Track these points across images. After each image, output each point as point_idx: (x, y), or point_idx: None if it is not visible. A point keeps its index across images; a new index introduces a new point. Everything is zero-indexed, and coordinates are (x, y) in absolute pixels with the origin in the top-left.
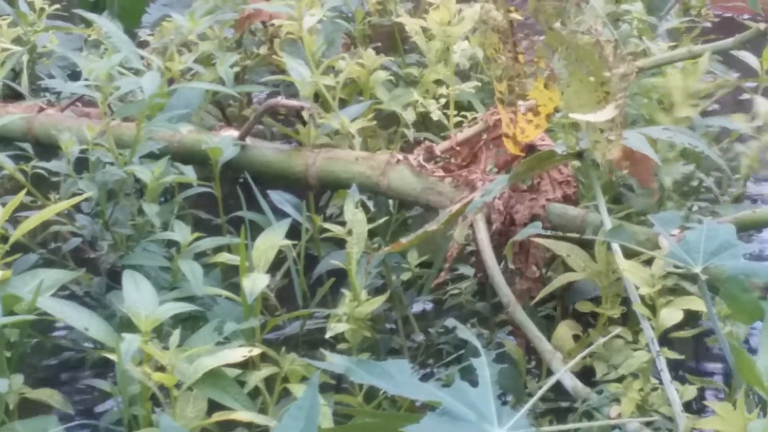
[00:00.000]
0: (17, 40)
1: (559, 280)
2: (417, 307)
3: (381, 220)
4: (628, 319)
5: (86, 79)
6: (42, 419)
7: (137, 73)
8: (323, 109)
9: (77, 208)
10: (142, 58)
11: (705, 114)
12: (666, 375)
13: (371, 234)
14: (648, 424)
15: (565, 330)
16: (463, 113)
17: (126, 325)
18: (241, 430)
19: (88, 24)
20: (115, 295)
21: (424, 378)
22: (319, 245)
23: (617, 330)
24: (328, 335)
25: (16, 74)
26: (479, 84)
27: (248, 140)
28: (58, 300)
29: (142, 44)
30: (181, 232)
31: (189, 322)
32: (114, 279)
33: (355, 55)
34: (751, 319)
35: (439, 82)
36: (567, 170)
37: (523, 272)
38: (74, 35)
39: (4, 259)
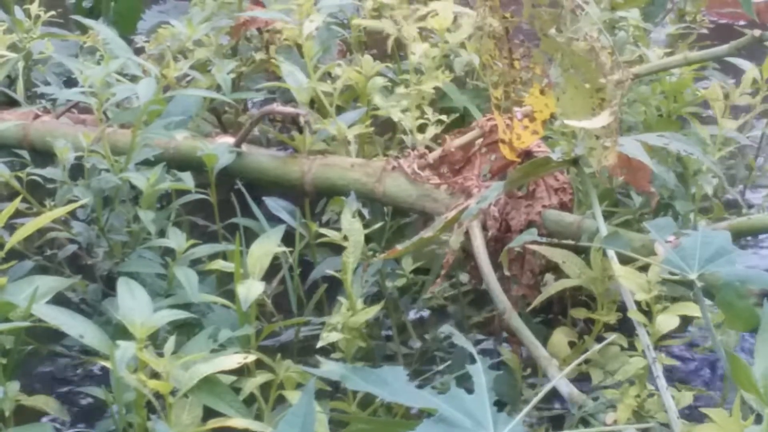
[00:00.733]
0: (13, 47)
1: (555, 287)
2: (412, 314)
3: (376, 227)
4: (624, 325)
5: (82, 86)
6: (38, 426)
7: (134, 79)
8: (320, 115)
9: (73, 214)
10: (138, 64)
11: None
12: (662, 381)
13: (366, 241)
14: (644, 430)
15: (561, 337)
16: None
17: (122, 332)
18: None
19: (84, 31)
20: (110, 302)
21: (420, 385)
22: (315, 251)
23: (613, 336)
24: (320, 345)
25: (11, 81)
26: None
27: (244, 147)
28: (53, 307)
29: (138, 51)
30: (176, 239)
31: (184, 329)
32: (110, 286)
33: (351, 62)
34: (747, 326)
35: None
36: (563, 177)
37: (519, 279)
38: (70, 42)
39: (0, 266)
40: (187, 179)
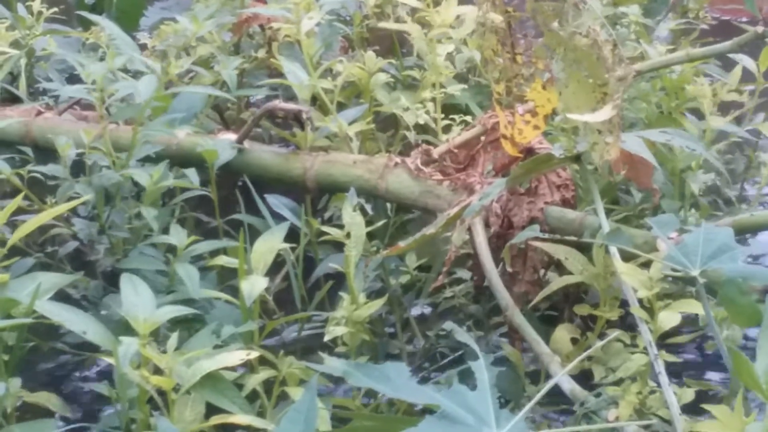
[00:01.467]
0: (15, 44)
1: (557, 283)
2: (415, 311)
3: (379, 223)
4: (626, 322)
5: (85, 83)
6: (41, 422)
7: (137, 76)
8: (321, 112)
9: (74, 212)
10: (142, 61)
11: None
12: (664, 378)
13: (369, 237)
14: (646, 427)
15: (563, 333)
16: (452, 116)
17: (124, 328)
18: None
19: (87, 27)
20: (112, 299)
21: (423, 381)
22: (317, 248)
23: (615, 333)
24: (326, 338)
25: (14, 77)
26: (466, 87)
27: (246, 144)
28: (56, 303)
29: (141, 47)
30: (178, 236)
31: (185, 326)
32: (111, 282)
33: (353, 59)
34: (749, 322)
35: (436, 85)
36: (565, 173)
37: (521, 275)
38: (72, 39)
39: (2, 263)
40: (192, 176)
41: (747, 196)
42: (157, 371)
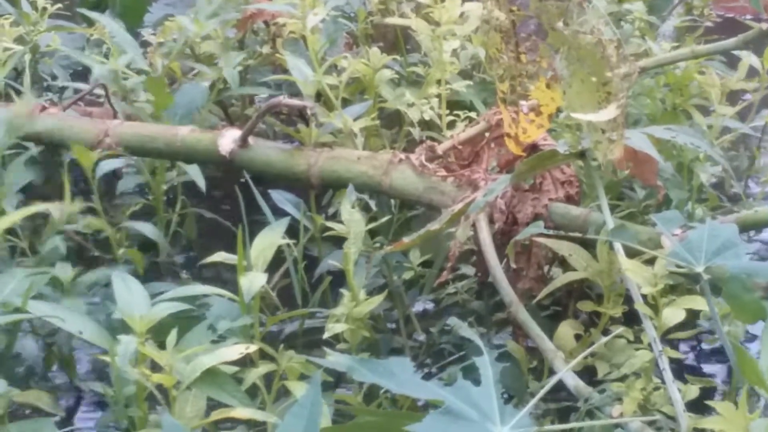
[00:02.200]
0: (19, 40)
1: (561, 280)
2: (418, 307)
3: (383, 220)
4: (630, 318)
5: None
6: (37, 422)
7: (140, 73)
8: (326, 108)
9: None
10: (144, 57)
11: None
12: (668, 374)
13: (373, 233)
14: (650, 423)
15: (567, 329)
16: (456, 112)
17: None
18: (241, 429)
19: (91, 24)
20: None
21: (426, 377)
22: (320, 245)
23: (619, 329)
24: (326, 335)
25: (18, 73)
26: (471, 83)
27: (251, 140)
28: (49, 303)
29: (145, 44)
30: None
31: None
32: None
33: (357, 55)
34: (754, 318)
35: (441, 82)
36: (569, 170)
37: (526, 272)
38: (76, 35)
39: None
40: (195, 172)
41: (751, 193)
42: (155, 368)
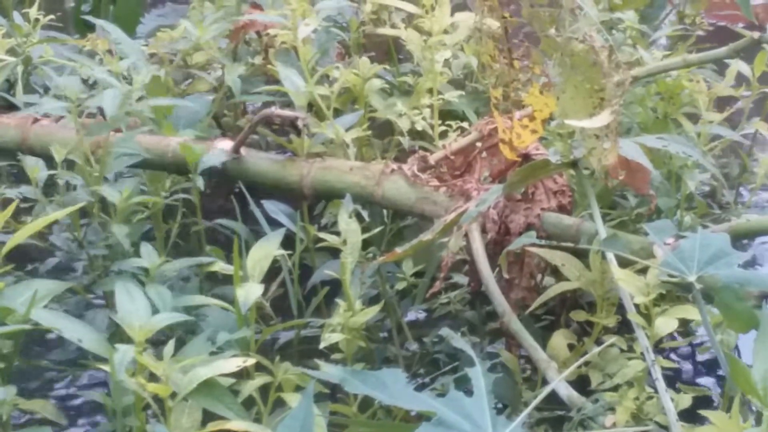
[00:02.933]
0: (12, 51)
1: (553, 290)
2: (411, 316)
3: (376, 230)
4: (623, 327)
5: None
6: (37, 430)
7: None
8: (318, 118)
9: (52, 229)
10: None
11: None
12: (661, 384)
13: (366, 244)
14: None
15: (560, 339)
16: (448, 122)
17: (110, 341)
18: None
19: (83, 35)
20: (93, 313)
21: (419, 388)
22: (314, 255)
23: (612, 339)
24: (322, 345)
25: (10, 85)
26: (463, 93)
27: (243, 150)
28: (51, 311)
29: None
30: (149, 257)
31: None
32: (92, 297)
33: (349, 65)
34: (746, 327)
35: (432, 91)
36: (562, 180)
37: (518, 281)
38: (69, 46)
39: None
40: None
41: (742, 201)
42: (153, 378)
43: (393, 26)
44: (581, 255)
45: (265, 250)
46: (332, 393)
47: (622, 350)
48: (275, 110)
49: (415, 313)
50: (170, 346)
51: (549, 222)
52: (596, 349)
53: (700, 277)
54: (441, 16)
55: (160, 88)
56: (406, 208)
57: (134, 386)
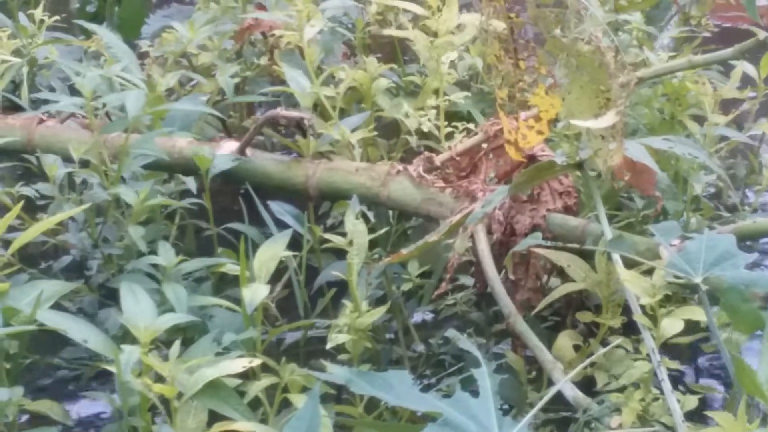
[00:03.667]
0: (17, 52)
1: (559, 291)
2: (417, 317)
3: (381, 231)
4: (629, 328)
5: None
6: (43, 430)
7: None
8: (323, 118)
9: (67, 227)
10: (142, 69)
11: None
12: (667, 385)
13: (371, 245)
14: None
15: (566, 340)
16: (454, 123)
17: (121, 340)
18: None
19: (88, 36)
20: (107, 312)
21: (425, 389)
22: (320, 256)
23: (618, 340)
24: (329, 346)
25: (16, 86)
26: (469, 94)
27: (248, 151)
28: (57, 312)
29: (143, 55)
30: (166, 255)
31: (183, 333)
32: (106, 296)
33: (355, 65)
34: (752, 329)
35: (438, 92)
36: (567, 181)
37: (524, 283)
38: (74, 47)
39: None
40: (190, 184)
41: (749, 202)
42: (159, 379)
43: (399, 27)
44: (587, 256)
45: (272, 251)
46: (338, 394)
47: (627, 351)
48: (281, 111)
49: (422, 314)
50: (176, 346)
51: (555, 223)
52: (602, 351)
53: (706, 278)
54: (448, 17)
55: (156, 92)
56: (411, 209)
57: (140, 387)
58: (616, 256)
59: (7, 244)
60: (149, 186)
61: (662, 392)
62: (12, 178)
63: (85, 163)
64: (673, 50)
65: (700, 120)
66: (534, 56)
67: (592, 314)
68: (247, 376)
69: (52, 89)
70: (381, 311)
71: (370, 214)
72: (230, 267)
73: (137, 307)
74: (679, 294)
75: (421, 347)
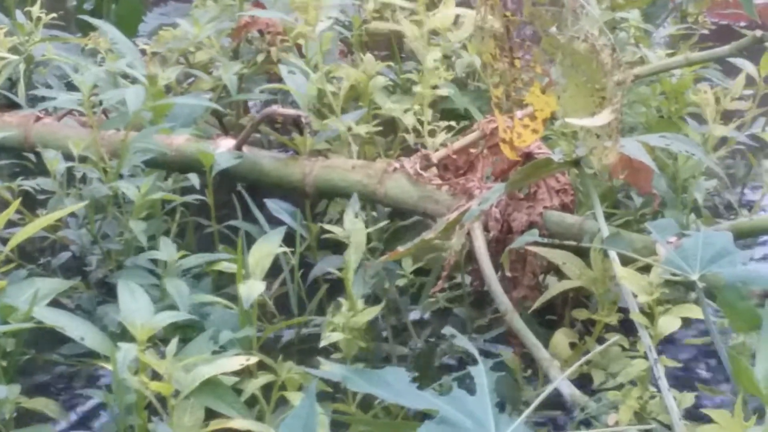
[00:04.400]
0: (14, 50)
1: (555, 288)
2: (413, 315)
3: (378, 225)
4: (625, 326)
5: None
6: (38, 428)
7: (135, 82)
8: (319, 116)
9: (67, 223)
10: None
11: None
12: (664, 383)
13: (367, 242)
14: None
15: (562, 338)
16: (451, 121)
17: (119, 337)
18: None
19: (85, 33)
20: (106, 309)
21: (420, 386)
22: (316, 253)
23: (615, 338)
24: (322, 344)
25: (12, 83)
26: (454, 90)
27: (245, 149)
28: (54, 309)
29: (140, 53)
30: (167, 250)
31: (180, 331)
32: (105, 293)
33: (352, 62)
34: (749, 327)
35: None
36: (564, 178)
37: (521, 280)
38: (71, 45)
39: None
40: (193, 180)
41: (748, 201)
42: (156, 377)
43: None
44: (584, 254)
45: (267, 248)
46: (335, 391)
47: (624, 348)
48: (277, 108)
49: (419, 312)
50: (173, 344)
51: (551, 220)
52: (599, 348)
53: (703, 275)
54: (445, 14)
55: (157, 87)
56: (408, 206)
57: (137, 384)
58: (612, 254)
59: (6, 239)
60: (151, 181)
61: (659, 390)
62: (9, 175)
63: (83, 160)
64: (669, 48)
65: (698, 118)
66: (530, 55)
67: (588, 312)
68: (244, 373)
69: (48, 87)
70: (376, 310)
71: (363, 213)
72: (226, 264)
73: (134, 305)
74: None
75: (419, 344)
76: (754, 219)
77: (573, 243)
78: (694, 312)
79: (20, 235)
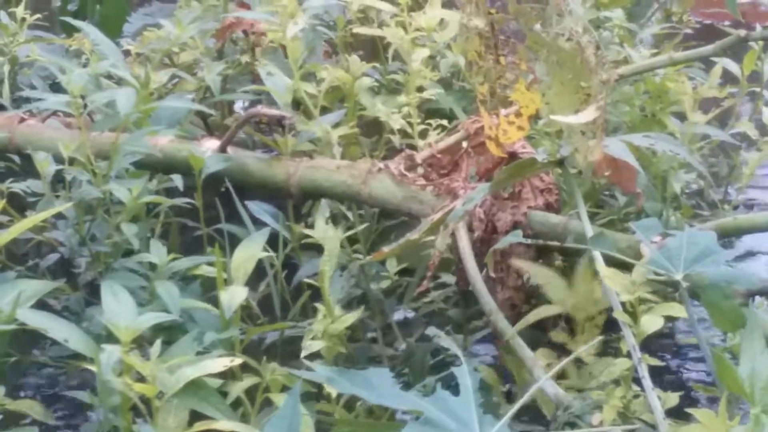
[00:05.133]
0: None
1: (535, 315)
2: (398, 315)
3: (361, 227)
4: (609, 325)
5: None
6: (24, 430)
7: (120, 82)
8: (305, 116)
9: (55, 225)
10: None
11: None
12: (647, 382)
13: (352, 242)
14: (630, 431)
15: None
16: (434, 121)
17: (106, 339)
18: None
19: (70, 34)
20: (93, 311)
21: (405, 387)
22: (300, 254)
23: (598, 338)
24: (303, 354)
25: None
26: (442, 90)
27: (229, 149)
28: (38, 311)
29: (124, 53)
30: (158, 253)
31: (166, 333)
32: (93, 294)
33: (336, 63)
34: (733, 326)
35: (421, 89)
36: (548, 178)
37: (505, 281)
38: (55, 46)
39: None
40: (177, 182)
41: (731, 199)
42: (140, 379)
43: (381, 24)
44: (568, 254)
45: (250, 252)
46: (319, 392)
47: (610, 348)
48: (261, 109)
49: (404, 312)
50: (157, 346)
51: (536, 220)
52: (581, 349)
53: (686, 275)
54: (431, 15)
55: (143, 88)
56: (392, 206)
57: (121, 386)
58: (597, 254)
59: None
60: (142, 183)
61: (643, 389)
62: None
63: (72, 162)
64: (653, 47)
65: (682, 117)
66: (515, 52)
67: (566, 335)
68: (228, 375)
69: (33, 88)
70: (354, 316)
71: (350, 214)
72: (206, 269)
73: (118, 306)
74: (661, 292)
75: (403, 345)
76: (737, 218)
77: (557, 243)
78: (677, 311)
79: (6, 235)
